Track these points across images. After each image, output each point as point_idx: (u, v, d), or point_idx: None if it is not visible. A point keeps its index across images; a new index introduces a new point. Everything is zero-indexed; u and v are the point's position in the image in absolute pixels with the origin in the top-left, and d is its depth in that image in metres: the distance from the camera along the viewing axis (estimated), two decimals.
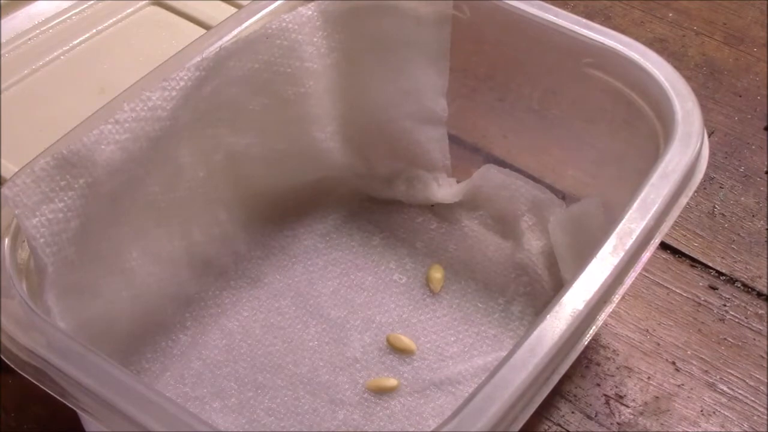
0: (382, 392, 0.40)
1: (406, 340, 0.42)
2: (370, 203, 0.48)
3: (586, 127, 0.43)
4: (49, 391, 0.30)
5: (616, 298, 0.33)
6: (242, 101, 0.41)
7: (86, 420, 0.36)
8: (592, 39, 0.40)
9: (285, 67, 0.41)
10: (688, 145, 0.36)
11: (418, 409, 0.40)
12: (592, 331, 0.32)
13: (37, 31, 0.54)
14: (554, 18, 0.41)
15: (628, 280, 0.33)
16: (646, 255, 0.34)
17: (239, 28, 0.40)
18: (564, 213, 0.43)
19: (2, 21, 0.53)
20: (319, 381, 0.40)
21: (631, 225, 0.33)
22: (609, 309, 0.32)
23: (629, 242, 0.33)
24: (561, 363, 0.31)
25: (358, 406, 0.40)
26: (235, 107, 0.41)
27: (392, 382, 0.40)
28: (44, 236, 0.33)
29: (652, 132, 0.38)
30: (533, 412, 0.30)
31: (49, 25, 0.54)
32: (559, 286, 0.43)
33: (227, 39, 0.39)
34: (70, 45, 0.53)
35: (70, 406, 0.30)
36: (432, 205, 0.47)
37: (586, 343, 0.32)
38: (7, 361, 0.30)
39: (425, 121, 0.45)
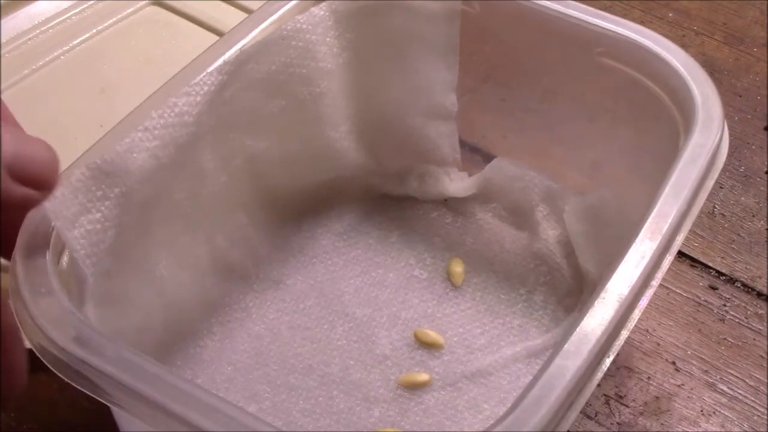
0: (414, 387, 0.40)
1: (433, 335, 0.42)
2: (385, 200, 0.48)
3: (598, 120, 0.43)
4: (85, 391, 0.30)
5: (656, 282, 0.33)
6: (260, 104, 0.41)
7: (123, 417, 0.36)
8: (604, 28, 0.40)
9: (300, 68, 0.41)
10: (710, 129, 0.36)
11: (452, 402, 0.40)
12: (637, 314, 0.32)
13: (37, 31, 0.54)
14: (566, 9, 0.41)
15: (666, 264, 0.33)
16: (680, 237, 0.34)
17: (256, 31, 0.40)
18: (579, 202, 0.43)
19: (2, 21, 0.53)
20: (351, 380, 0.41)
21: (665, 208, 0.33)
22: (650, 293, 0.33)
23: (665, 226, 0.33)
24: (610, 348, 0.31)
25: (393, 402, 0.40)
26: (253, 110, 0.41)
27: (424, 376, 0.40)
28: (84, 247, 0.33)
29: (671, 120, 0.38)
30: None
31: (49, 25, 0.54)
32: (578, 274, 0.43)
33: (245, 42, 0.40)
34: (70, 45, 0.54)
35: (109, 404, 0.30)
36: (445, 200, 0.47)
37: (632, 326, 0.32)
38: (45, 361, 0.30)
39: (435, 117, 0.45)
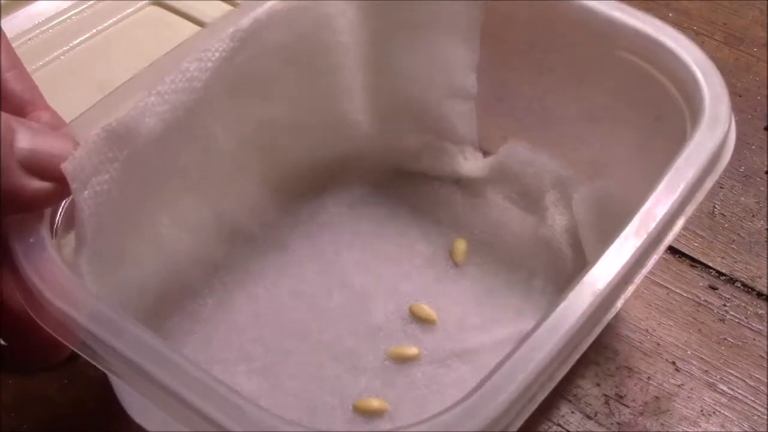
0: (403, 360, 0.41)
1: (428, 310, 0.42)
2: (397, 175, 0.48)
3: (601, 118, 0.43)
4: (79, 352, 0.30)
5: (638, 279, 0.33)
6: (274, 73, 0.41)
7: (117, 384, 0.37)
8: (620, 20, 0.40)
9: (317, 40, 0.41)
10: (715, 129, 0.36)
11: (439, 378, 0.40)
12: (614, 310, 0.32)
13: (37, 31, 0.54)
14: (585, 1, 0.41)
15: (650, 263, 0.33)
16: (671, 235, 0.34)
17: (273, 1, 0.40)
18: (588, 192, 0.43)
19: (2, 21, 0.53)
20: (342, 348, 0.41)
21: (656, 208, 0.33)
22: (630, 290, 0.33)
23: (653, 224, 0.33)
24: (581, 342, 0.31)
25: (380, 373, 0.40)
26: (266, 78, 0.41)
27: (413, 350, 0.41)
28: (90, 207, 0.33)
29: (680, 115, 0.38)
30: (544, 397, 0.30)
31: (49, 25, 0.54)
32: (581, 262, 0.43)
33: (261, 11, 0.39)
34: (70, 45, 0.54)
35: (101, 368, 0.30)
36: (458, 179, 0.47)
37: (606, 322, 0.32)
38: (39, 321, 0.31)
39: (454, 96, 0.45)
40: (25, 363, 0.37)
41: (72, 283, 0.31)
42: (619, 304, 0.32)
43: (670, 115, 0.39)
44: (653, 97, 0.40)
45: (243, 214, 0.43)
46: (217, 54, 0.37)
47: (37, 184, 0.30)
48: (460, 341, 0.41)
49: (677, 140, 0.37)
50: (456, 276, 0.44)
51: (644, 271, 0.33)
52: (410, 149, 0.47)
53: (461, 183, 0.47)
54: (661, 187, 0.34)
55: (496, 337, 0.41)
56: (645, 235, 0.32)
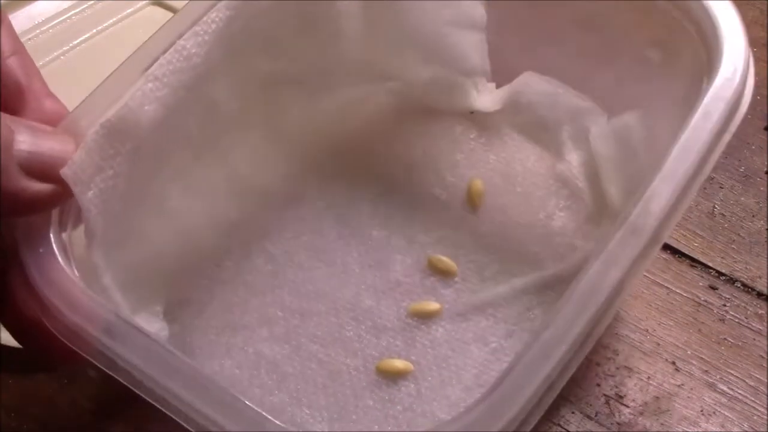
0: (424, 317, 0.40)
1: (447, 262, 0.42)
2: (410, 113, 0.46)
3: (621, 46, 0.42)
4: (95, 362, 0.30)
5: (665, 237, 0.32)
6: (274, 28, 0.40)
7: None
8: None
9: None
10: (733, 77, 0.35)
11: (459, 334, 0.40)
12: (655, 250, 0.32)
13: (37, 31, 0.54)
14: None
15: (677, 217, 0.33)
16: (698, 182, 0.33)
17: None
18: (605, 124, 0.43)
19: None
20: (362, 307, 0.41)
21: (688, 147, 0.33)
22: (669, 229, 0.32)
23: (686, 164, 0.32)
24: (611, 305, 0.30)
25: (401, 332, 0.40)
26: (266, 36, 0.40)
27: (434, 306, 0.41)
28: (97, 206, 0.32)
29: (696, 50, 0.37)
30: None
31: (49, 25, 0.54)
32: (599, 198, 0.42)
33: None
34: (70, 45, 0.54)
35: (117, 378, 0.30)
36: (472, 113, 0.46)
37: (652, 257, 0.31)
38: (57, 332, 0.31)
39: (463, 26, 0.44)
40: (45, 366, 0.37)
41: (84, 295, 0.30)
42: (651, 258, 0.32)
43: (686, 50, 0.38)
44: (668, 31, 0.39)
45: (253, 168, 0.43)
46: (213, 26, 0.36)
47: (37, 187, 0.30)
48: (480, 293, 0.41)
49: (693, 75, 0.36)
50: (473, 222, 0.43)
51: (673, 221, 0.32)
52: (423, 85, 0.45)
53: (476, 118, 0.46)
54: (682, 141, 0.33)
55: (515, 286, 0.41)
56: (676, 179, 0.32)
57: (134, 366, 0.29)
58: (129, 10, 0.56)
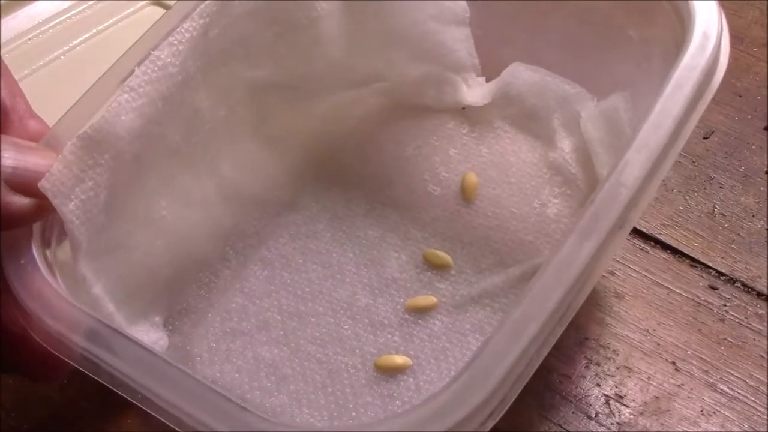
0: (421, 312, 0.41)
1: (442, 255, 0.42)
2: (400, 112, 0.46)
3: (598, 24, 0.42)
4: (80, 368, 0.31)
5: (644, 202, 0.33)
6: (254, 35, 0.40)
7: None
8: None
9: None
10: (704, 48, 0.35)
11: (458, 326, 0.40)
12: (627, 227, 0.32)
13: (37, 31, 0.54)
14: None
15: (653, 188, 0.33)
16: (666, 165, 0.33)
17: None
18: (594, 108, 0.43)
19: (2, 21, 0.53)
20: (358, 305, 0.41)
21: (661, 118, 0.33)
22: (639, 212, 0.33)
23: (661, 131, 0.33)
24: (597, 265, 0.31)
25: (399, 327, 0.40)
26: (247, 42, 0.40)
27: (431, 300, 0.41)
28: (79, 217, 0.33)
29: (672, 25, 0.38)
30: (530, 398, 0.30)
31: (49, 25, 0.54)
32: (593, 183, 0.42)
33: None
34: (70, 45, 0.54)
35: (103, 382, 0.30)
36: (463, 108, 0.46)
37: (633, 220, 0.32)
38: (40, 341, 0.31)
39: (448, 22, 0.44)
40: (31, 380, 0.38)
41: (66, 304, 0.31)
42: (630, 225, 0.32)
43: (663, 26, 0.38)
44: (648, 10, 0.39)
45: (245, 174, 0.43)
46: (188, 35, 0.36)
47: (21, 201, 0.31)
48: (477, 284, 0.41)
49: (670, 50, 0.36)
50: (468, 214, 0.43)
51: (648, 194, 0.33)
52: (412, 83, 0.45)
53: (467, 113, 0.46)
54: (654, 113, 0.33)
55: (512, 276, 0.41)
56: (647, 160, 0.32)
57: (117, 369, 0.29)
58: (129, 10, 0.56)
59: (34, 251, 0.32)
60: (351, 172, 0.45)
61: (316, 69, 0.43)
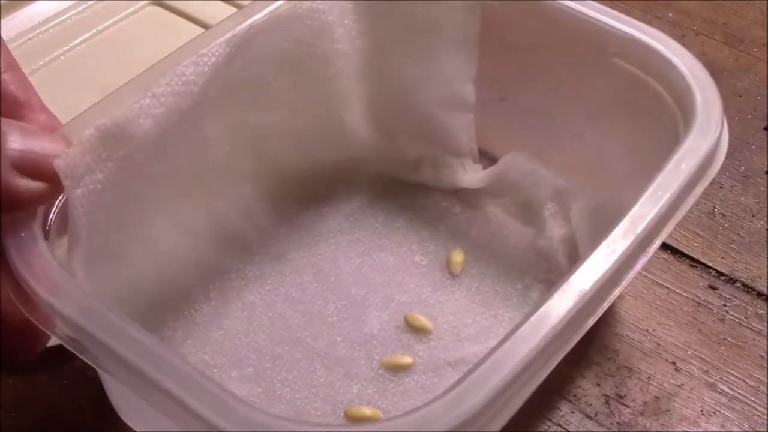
0: (397, 369, 0.41)
1: (423, 320, 0.42)
2: (396, 186, 0.48)
3: (599, 119, 0.43)
4: (66, 345, 0.30)
5: (625, 281, 0.33)
6: (270, 79, 0.41)
7: (107, 382, 0.38)
8: (610, 26, 0.41)
9: (315, 47, 0.41)
10: (706, 133, 0.36)
11: (432, 387, 0.40)
12: (600, 311, 0.32)
13: (37, 31, 0.54)
14: (573, 6, 0.41)
15: (638, 266, 0.33)
16: (659, 240, 0.34)
17: (271, 7, 0.40)
18: (587, 202, 0.43)
19: (2, 21, 0.53)
20: (335, 355, 0.41)
21: (644, 210, 0.33)
22: (617, 291, 0.33)
23: (641, 226, 0.33)
24: (567, 341, 0.31)
25: (373, 381, 0.40)
26: (262, 84, 0.41)
27: (407, 359, 0.41)
28: (83, 206, 0.33)
29: (672, 120, 0.38)
30: (535, 402, 0.30)
31: (49, 25, 0.54)
32: None
33: (258, 17, 0.40)
34: (70, 45, 0.54)
35: (91, 364, 0.30)
36: (457, 190, 0.47)
37: (591, 323, 0.32)
38: (32, 319, 0.31)
39: (453, 107, 0.45)
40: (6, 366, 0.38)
41: (61, 276, 0.31)
42: (606, 305, 0.32)
43: (665, 119, 0.39)
44: (647, 100, 0.40)
45: (239, 219, 0.43)
46: (213, 58, 0.37)
47: (28, 184, 0.31)
48: (455, 351, 0.41)
49: (670, 145, 0.37)
50: (452, 286, 0.44)
51: (632, 273, 0.33)
52: (410, 160, 0.47)
53: (460, 195, 0.47)
54: (650, 190, 0.34)
55: (490, 346, 0.40)
56: (632, 238, 0.32)
57: (104, 347, 0.29)
58: (129, 10, 0.56)
59: (35, 228, 0.32)
60: (342, 232, 0.46)
61: (322, 126, 0.44)
